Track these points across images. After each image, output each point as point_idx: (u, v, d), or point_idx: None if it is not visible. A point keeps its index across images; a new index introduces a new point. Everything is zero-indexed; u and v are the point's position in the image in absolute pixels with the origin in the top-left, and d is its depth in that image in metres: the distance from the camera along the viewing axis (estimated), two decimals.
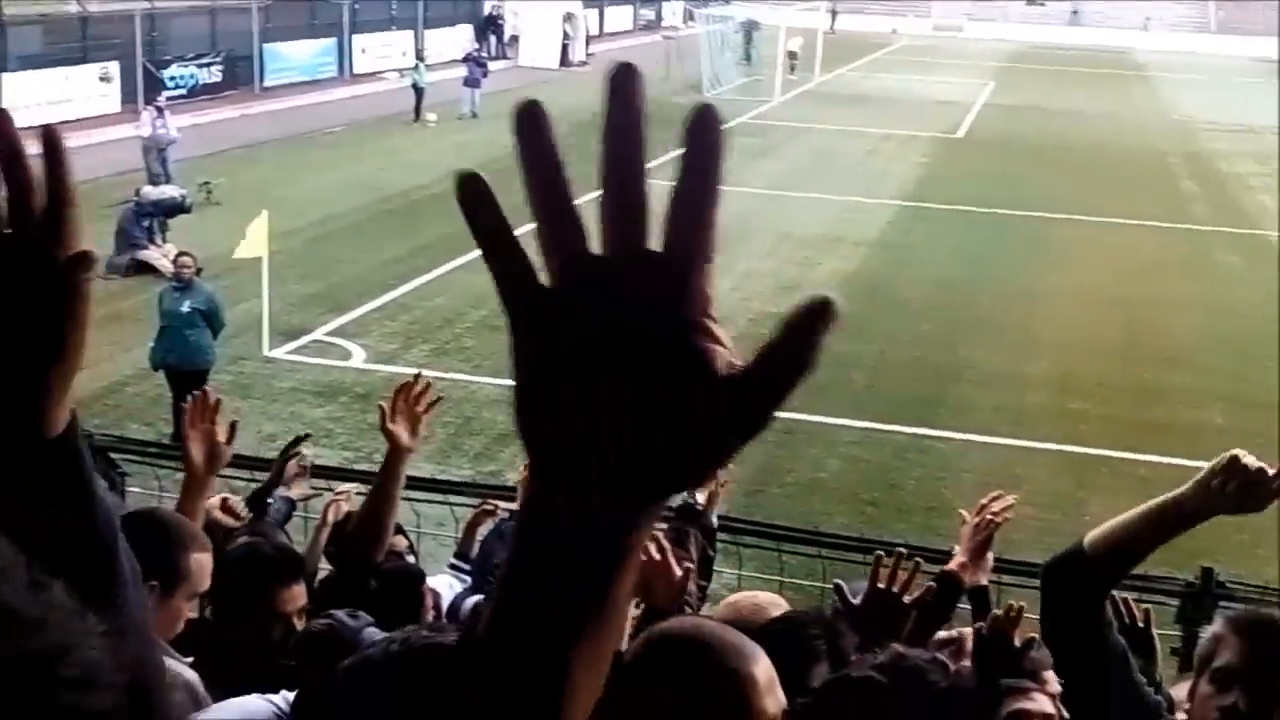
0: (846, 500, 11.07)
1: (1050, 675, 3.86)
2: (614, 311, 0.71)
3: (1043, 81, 45.07)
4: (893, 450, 12.21)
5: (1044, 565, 3.15)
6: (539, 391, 0.72)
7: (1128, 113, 38.05)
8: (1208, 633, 2.90)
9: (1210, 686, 2.70)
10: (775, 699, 1.94)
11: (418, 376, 4.10)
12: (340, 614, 3.19)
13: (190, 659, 3.10)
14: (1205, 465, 2.94)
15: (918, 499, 11.14)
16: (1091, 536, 3.01)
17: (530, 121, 0.71)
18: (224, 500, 4.46)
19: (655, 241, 0.72)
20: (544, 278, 0.72)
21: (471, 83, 30.87)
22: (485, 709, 0.77)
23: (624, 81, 0.73)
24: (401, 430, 3.96)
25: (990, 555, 4.34)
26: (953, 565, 3.98)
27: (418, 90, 30.15)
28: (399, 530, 5.12)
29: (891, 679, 2.34)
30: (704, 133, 0.72)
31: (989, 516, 4.01)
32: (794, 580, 5.94)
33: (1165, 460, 12.11)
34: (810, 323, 0.71)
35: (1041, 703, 3.67)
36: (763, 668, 1.95)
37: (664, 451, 0.71)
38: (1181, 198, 25.58)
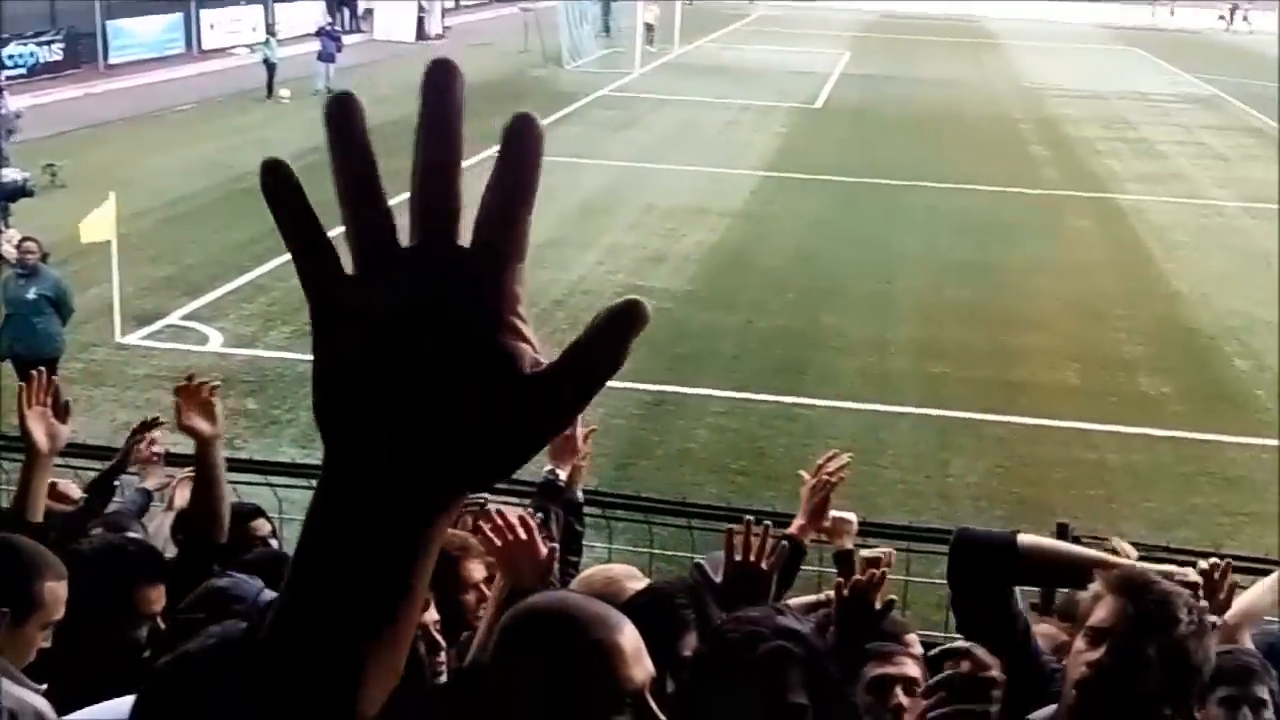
0: (716, 470, 11.14)
1: (913, 638, 3.91)
2: (417, 303, 0.70)
3: (897, 50, 45.81)
4: (760, 419, 12.32)
5: (963, 538, 3.18)
6: (337, 379, 0.72)
7: (980, 80, 38.87)
8: (1090, 590, 2.96)
9: (1084, 641, 2.75)
10: (643, 668, 1.93)
11: (190, 378, 4.14)
12: (241, 575, 3.19)
13: (44, 686, 3.02)
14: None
15: (786, 466, 11.21)
16: (1028, 541, 3.08)
17: (340, 113, 0.71)
18: (53, 485, 4.34)
19: (466, 238, 0.72)
20: (350, 268, 0.72)
21: (325, 57, 30.19)
22: (274, 704, 0.75)
23: (440, 78, 0.71)
24: (198, 423, 4.02)
25: (853, 518, 4.39)
26: (792, 528, 4.02)
27: (269, 66, 29.37)
28: (261, 514, 5.00)
29: (764, 640, 2.34)
30: (523, 136, 0.71)
31: (825, 477, 4.06)
32: (665, 552, 5.94)
33: (1023, 420, 12.45)
34: (618, 327, 0.71)
35: (906, 666, 3.72)
36: (628, 637, 1.94)
37: (462, 446, 0.71)
38: (1033, 162, 26.25)
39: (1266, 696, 3.66)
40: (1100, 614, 2.70)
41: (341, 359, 0.72)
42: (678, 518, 5.90)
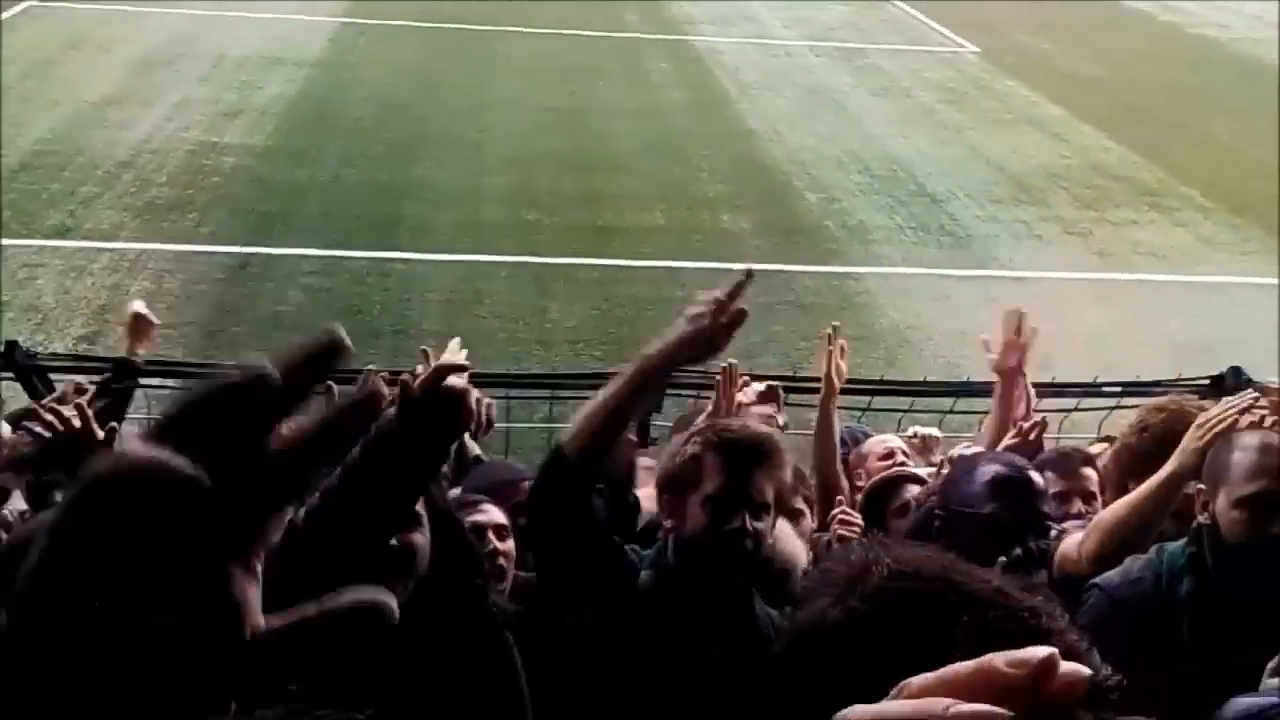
0: (311, 331, 10.62)
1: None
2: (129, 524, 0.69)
3: None
4: (353, 276, 11.95)
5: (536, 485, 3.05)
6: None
7: None
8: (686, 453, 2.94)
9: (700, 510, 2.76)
10: None
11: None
12: None
13: None
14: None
15: (384, 323, 11.00)
16: (566, 439, 2.93)
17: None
18: None
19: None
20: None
21: None
22: None
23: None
24: None
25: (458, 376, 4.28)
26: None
27: None
28: None
29: None
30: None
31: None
32: None
33: (616, 263, 12.69)
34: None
35: (491, 514, 3.78)
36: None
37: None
38: (611, 6, 26.46)
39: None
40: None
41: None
42: None
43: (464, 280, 11.96)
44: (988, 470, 3.14)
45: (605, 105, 18.63)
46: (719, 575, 2.71)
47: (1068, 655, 1.36)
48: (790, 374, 6.60)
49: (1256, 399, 3.08)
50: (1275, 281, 12.59)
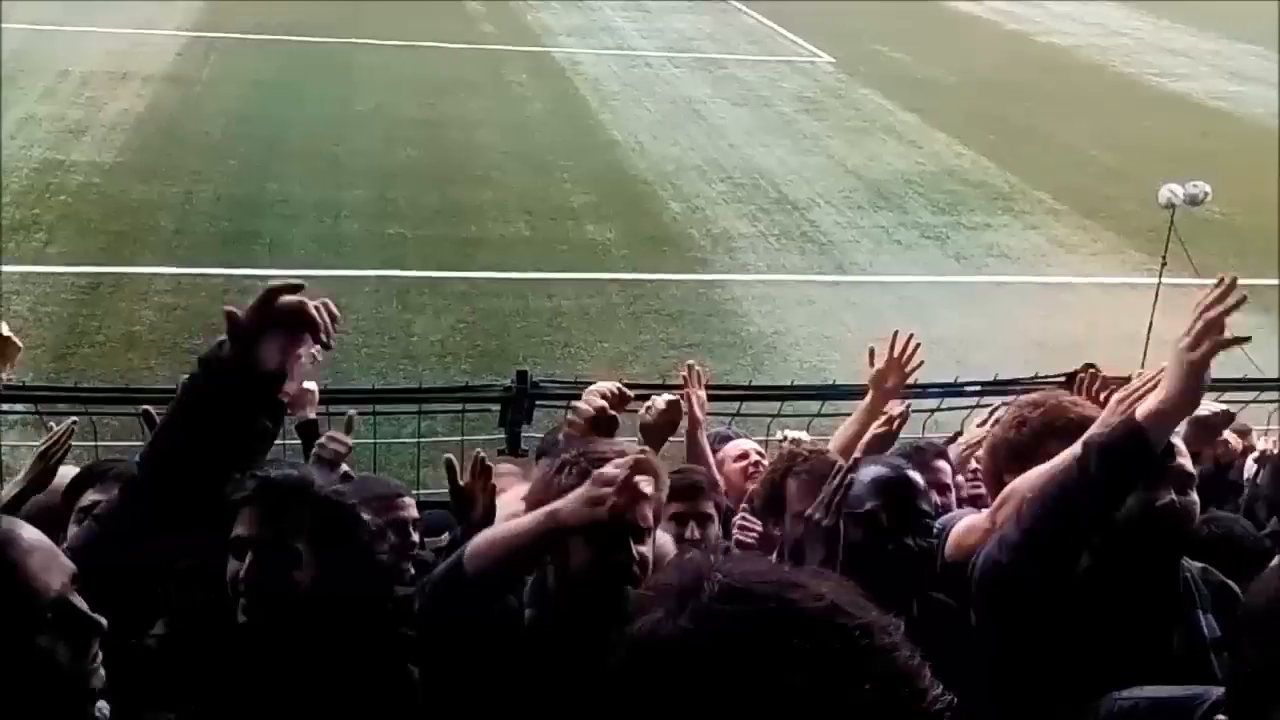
0: (166, 351, 10.40)
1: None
2: None
3: None
4: (210, 294, 11.60)
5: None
6: None
7: None
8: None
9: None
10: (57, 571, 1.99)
11: None
12: None
13: None
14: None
15: None
16: (468, 555, 2.75)
17: None
18: None
19: None
20: None
21: None
22: None
23: None
24: None
25: (314, 387, 4.24)
26: None
27: None
28: None
29: None
30: None
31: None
32: (109, 443, 5.45)
33: (481, 275, 12.59)
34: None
35: (413, 509, 3.77)
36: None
37: None
38: (469, 18, 26.30)
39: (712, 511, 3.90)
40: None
41: None
42: (124, 405, 5.41)
43: (327, 295, 11.67)
44: (869, 471, 3.16)
45: (465, 117, 18.49)
46: (608, 608, 2.59)
47: (901, 674, 1.36)
48: (660, 382, 6.59)
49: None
50: (1124, 281, 13.04)
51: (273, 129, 17.04)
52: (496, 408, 6.36)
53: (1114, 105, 22.31)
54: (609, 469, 2.51)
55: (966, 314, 12.24)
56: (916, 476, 3.13)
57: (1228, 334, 2.64)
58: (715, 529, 4.01)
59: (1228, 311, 2.61)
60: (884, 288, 12.98)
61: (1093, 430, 2.91)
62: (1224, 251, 13.53)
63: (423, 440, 6.90)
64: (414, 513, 3.98)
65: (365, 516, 2.84)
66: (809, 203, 15.57)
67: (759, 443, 5.34)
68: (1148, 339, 9.40)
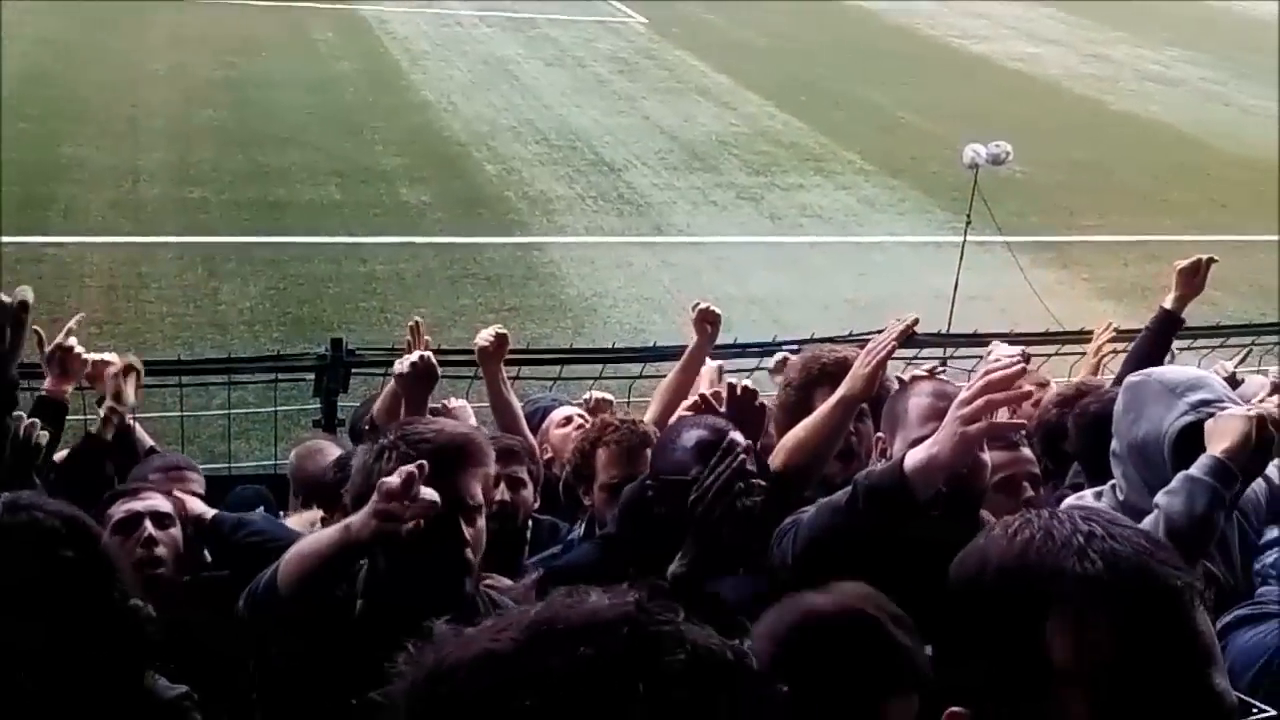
0: None
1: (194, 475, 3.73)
2: None
3: None
4: (3, 264, 11.03)
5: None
6: None
7: None
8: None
9: None
10: None
11: None
12: None
13: None
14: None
15: (39, 312, 10.15)
16: (281, 574, 2.73)
17: None
18: None
19: None
20: None
21: None
22: None
23: None
24: None
25: (114, 358, 4.13)
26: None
27: None
28: None
29: None
30: None
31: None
32: None
33: (292, 240, 12.23)
34: None
35: (151, 500, 3.66)
36: None
37: None
38: None
39: None
40: None
41: None
42: None
43: (126, 264, 11.23)
44: (691, 435, 3.15)
45: (268, 77, 17.91)
46: (442, 593, 2.51)
47: (757, 696, 1.29)
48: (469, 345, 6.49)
49: (912, 322, 3.34)
50: (931, 240, 13.39)
51: (64, 90, 16.25)
52: (311, 377, 6.17)
53: (920, 68, 22.86)
54: (393, 479, 2.44)
55: (782, 274, 12.42)
56: (738, 436, 3.13)
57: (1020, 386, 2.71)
58: (528, 493, 4.08)
59: (1010, 384, 2.64)
60: (701, 248, 13.07)
61: (869, 469, 2.97)
62: (1025, 210, 14.03)
63: (233, 411, 6.67)
64: (158, 504, 3.68)
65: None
66: (625, 164, 15.56)
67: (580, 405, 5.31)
68: (954, 296, 9.67)
